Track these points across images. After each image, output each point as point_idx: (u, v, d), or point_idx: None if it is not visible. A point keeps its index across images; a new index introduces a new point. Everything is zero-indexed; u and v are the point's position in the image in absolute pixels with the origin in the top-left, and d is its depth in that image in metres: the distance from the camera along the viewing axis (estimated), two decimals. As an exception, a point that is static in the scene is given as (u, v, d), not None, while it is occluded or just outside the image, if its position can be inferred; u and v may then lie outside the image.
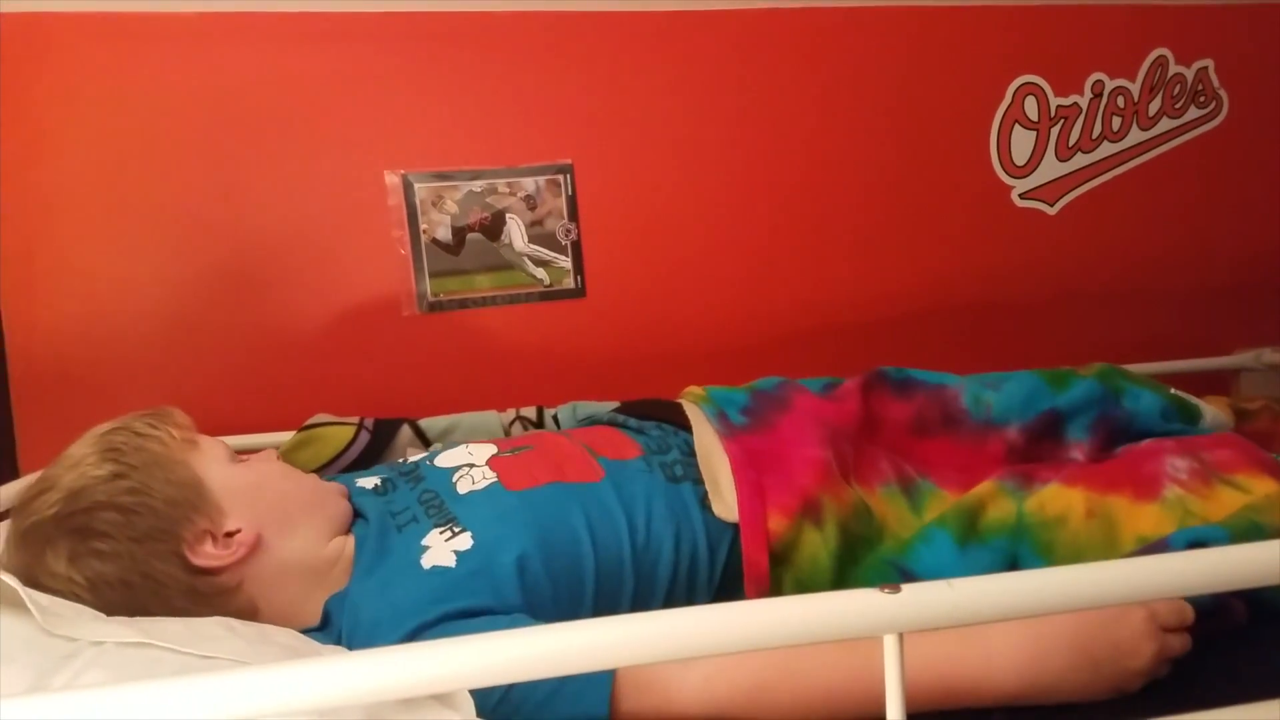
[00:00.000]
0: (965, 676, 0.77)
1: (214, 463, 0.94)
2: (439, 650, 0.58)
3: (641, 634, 0.58)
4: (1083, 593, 0.63)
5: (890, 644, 0.59)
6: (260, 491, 0.95)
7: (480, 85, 1.54)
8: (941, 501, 1.02)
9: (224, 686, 0.56)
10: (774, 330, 1.66)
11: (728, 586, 0.98)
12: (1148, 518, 0.95)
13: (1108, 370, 1.14)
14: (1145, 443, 1.05)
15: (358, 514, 1.01)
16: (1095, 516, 0.97)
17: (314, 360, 1.54)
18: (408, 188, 1.52)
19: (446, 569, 0.88)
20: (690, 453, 1.05)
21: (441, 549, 0.90)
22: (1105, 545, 0.95)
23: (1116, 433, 1.09)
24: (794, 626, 0.58)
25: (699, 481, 1.01)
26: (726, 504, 0.98)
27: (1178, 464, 0.99)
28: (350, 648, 0.86)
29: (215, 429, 1.26)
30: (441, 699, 0.73)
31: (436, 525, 0.93)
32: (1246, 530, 0.88)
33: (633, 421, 1.11)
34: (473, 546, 0.90)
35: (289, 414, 1.45)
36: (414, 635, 0.81)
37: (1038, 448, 1.08)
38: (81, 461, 0.89)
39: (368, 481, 1.06)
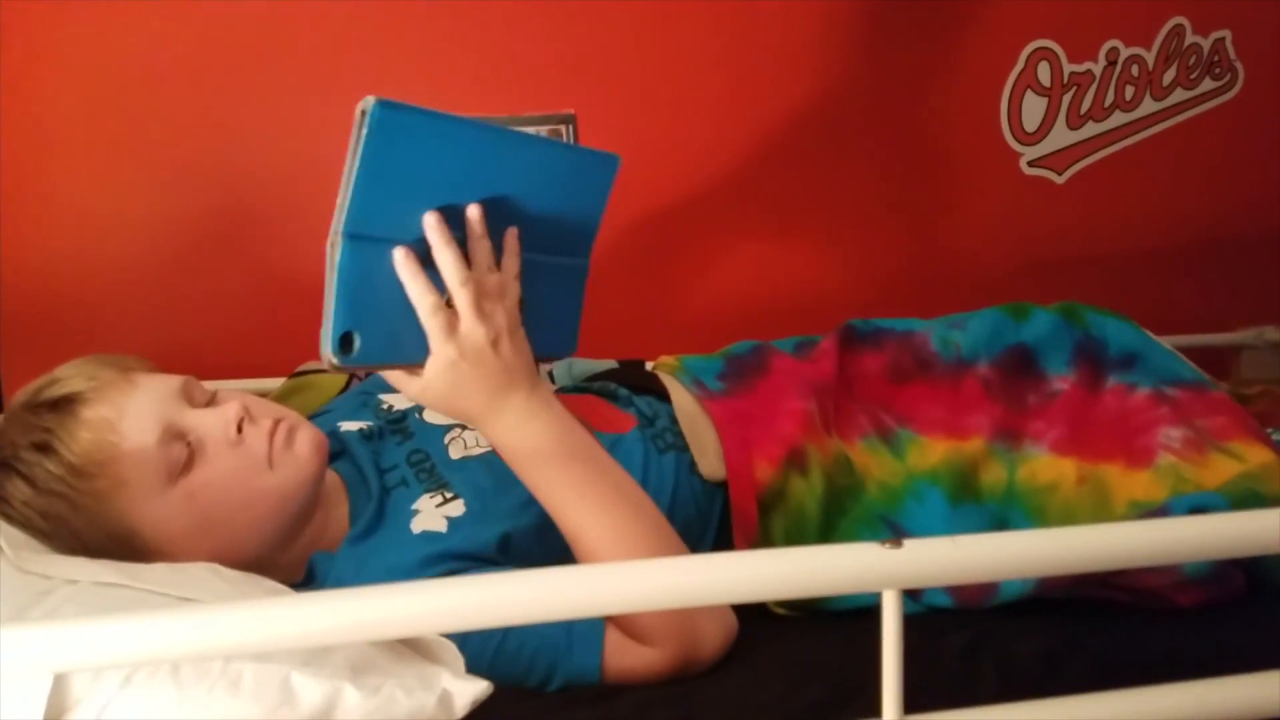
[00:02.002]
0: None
1: (145, 496, 0.81)
2: (420, 591, 0.57)
3: (643, 582, 0.57)
4: (1085, 554, 0.62)
5: (890, 599, 0.58)
6: (201, 528, 0.84)
7: (481, 28, 1.50)
8: (922, 448, 1.02)
9: (193, 621, 0.54)
10: (778, 293, 1.64)
11: (723, 550, 0.97)
12: (1140, 483, 0.96)
13: (1069, 305, 1.14)
14: (1139, 398, 1.03)
15: (342, 453, 0.98)
16: (1087, 483, 0.98)
17: (308, 306, 1.50)
18: (405, 134, 1.48)
19: (438, 534, 0.87)
20: (674, 420, 1.04)
21: (433, 514, 0.89)
22: (1097, 509, 0.96)
23: (1099, 359, 1.09)
24: (794, 577, 0.57)
25: (685, 449, 1.00)
26: (711, 463, 0.99)
27: (1172, 434, 0.99)
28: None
29: (206, 373, 1.23)
30: (428, 654, 0.72)
31: (427, 490, 0.92)
32: (1245, 498, 0.89)
33: (621, 391, 1.10)
34: (465, 514, 0.89)
35: (282, 359, 1.42)
36: None
37: (1017, 385, 1.08)
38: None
39: (353, 425, 1.03)
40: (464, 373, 0.76)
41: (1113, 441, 1.00)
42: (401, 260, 0.73)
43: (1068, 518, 0.95)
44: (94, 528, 0.81)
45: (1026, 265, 1.69)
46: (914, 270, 1.66)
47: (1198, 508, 0.87)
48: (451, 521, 0.88)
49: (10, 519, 0.81)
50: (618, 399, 1.08)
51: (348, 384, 1.32)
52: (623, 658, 0.79)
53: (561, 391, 1.14)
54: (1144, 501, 0.93)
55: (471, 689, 0.66)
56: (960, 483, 0.98)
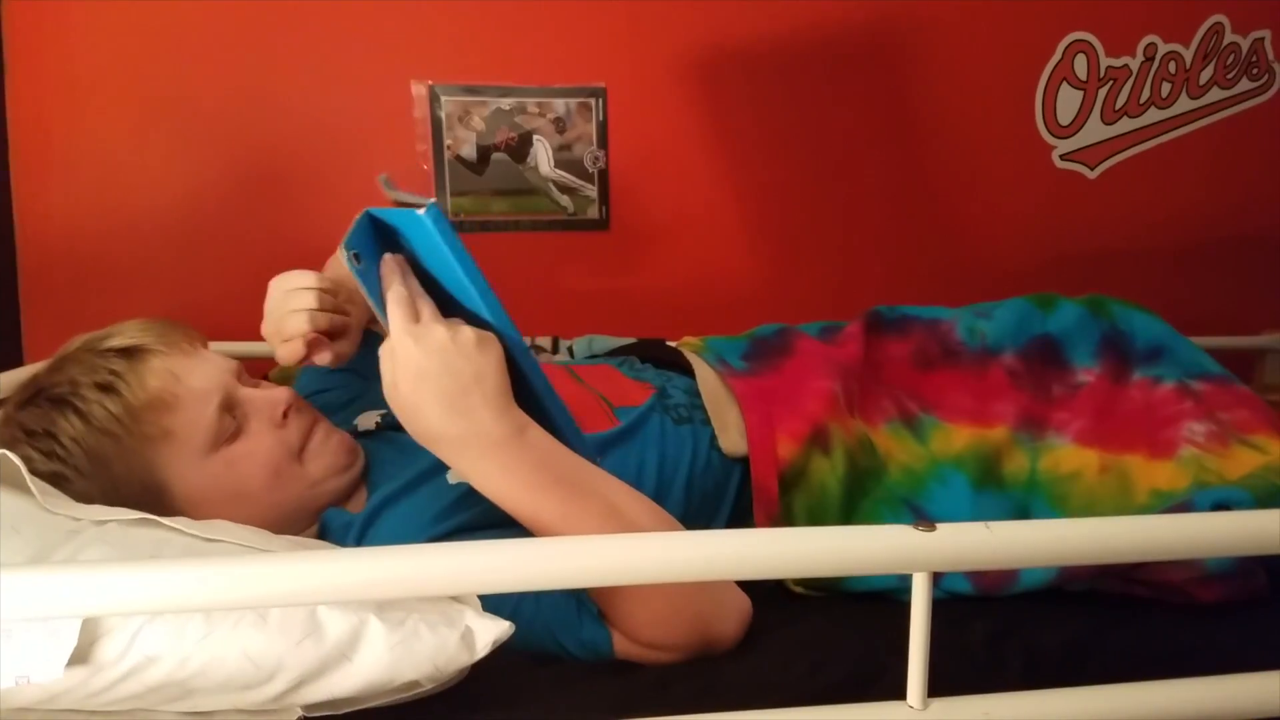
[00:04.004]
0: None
1: (188, 454, 0.83)
2: (445, 553, 0.57)
3: (677, 552, 0.57)
4: (1116, 544, 0.62)
5: (920, 582, 0.57)
6: (229, 498, 0.85)
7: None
8: (946, 434, 1.02)
9: (220, 572, 0.54)
10: (801, 278, 1.63)
11: (738, 526, 0.97)
12: (1162, 473, 0.96)
13: (1095, 298, 1.14)
14: (1163, 391, 1.03)
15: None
16: (1109, 472, 0.98)
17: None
18: (434, 100, 1.48)
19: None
20: (694, 394, 1.04)
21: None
22: (1119, 497, 0.96)
23: (1125, 352, 1.08)
24: (826, 556, 0.57)
25: (705, 422, 1.00)
26: (734, 439, 0.98)
27: (1195, 428, 0.99)
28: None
29: (224, 336, 1.24)
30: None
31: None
32: (1268, 492, 0.88)
33: (639, 364, 1.09)
34: None
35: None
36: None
37: (1042, 375, 1.07)
38: (27, 435, 0.81)
39: (369, 420, 1.03)
40: (426, 370, 0.70)
41: (1136, 433, 1.00)
42: (388, 260, 0.74)
43: (1090, 506, 0.95)
44: (131, 475, 0.82)
45: (1056, 259, 1.67)
46: (943, 260, 1.65)
47: (1221, 503, 0.87)
48: None
49: (52, 455, 0.81)
50: (632, 370, 1.08)
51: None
52: (630, 649, 0.79)
53: (578, 363, 1.13)
54: (1166, 491, 0.93)
55: (494, 628, 0.66)
56: (984, 469, 0.98)
